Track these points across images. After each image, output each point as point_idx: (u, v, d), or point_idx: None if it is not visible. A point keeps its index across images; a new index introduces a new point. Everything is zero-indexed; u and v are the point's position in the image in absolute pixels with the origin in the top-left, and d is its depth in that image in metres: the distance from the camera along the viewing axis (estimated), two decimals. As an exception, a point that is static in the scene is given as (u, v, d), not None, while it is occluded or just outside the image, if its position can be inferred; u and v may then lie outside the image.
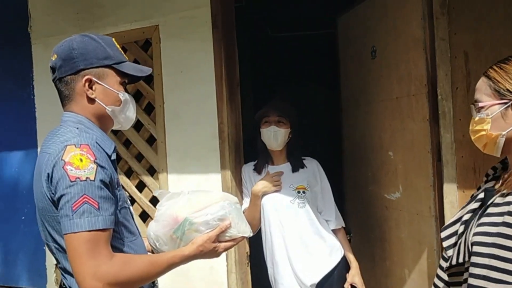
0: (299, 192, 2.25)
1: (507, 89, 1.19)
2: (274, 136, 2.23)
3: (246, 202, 2.32)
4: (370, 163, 2.54)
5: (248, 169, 2.38)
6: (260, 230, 2.33)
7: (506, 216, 1.12)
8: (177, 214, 1.45)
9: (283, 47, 4.42)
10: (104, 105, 1.40)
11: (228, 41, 2.42)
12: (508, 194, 1.15)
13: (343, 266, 2.27)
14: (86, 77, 1.36)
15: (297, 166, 2.30)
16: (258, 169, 2.33)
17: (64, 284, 1.37)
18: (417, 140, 2.15)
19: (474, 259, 1.15)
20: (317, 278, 2.20)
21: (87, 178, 1.21)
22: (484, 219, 1.17)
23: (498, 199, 1.17)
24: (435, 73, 1.99)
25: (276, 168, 2.32)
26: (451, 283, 1.28)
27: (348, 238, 2.45)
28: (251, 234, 1.56)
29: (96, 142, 1.30)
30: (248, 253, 2.51)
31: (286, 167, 2.31)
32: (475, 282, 1.14)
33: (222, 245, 1.45)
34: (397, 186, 2.32)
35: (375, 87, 2.45)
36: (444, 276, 1.30)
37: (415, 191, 2.19)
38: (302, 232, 2.22)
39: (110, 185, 1.28)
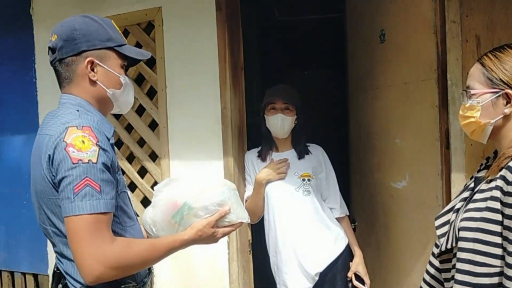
0: (304, 180, 2.21)
1: (500, 79, 1.21)
2: (282, 124, 2.18)
3: (249, 189, 2.29)
4: (376, 150, 2.48)
5: (251, 156, 2.34)
6: (262, 218, 2.30)
7: (489, 201, 1.16)
8: (176, 199, 1.44)
9: (291, 31, 4.35)
10: (105, 88, 1.38)
11: (232, 23, 2.36)
12: (492, 180, 1.18)
13: (347, 254, 2.24)
14: (89, 58, 1.34)
15: (302, 153, 2.26)
16: (262, 156, 2.30)
17: (58, 269, 1.35)
18: (425, 127, 2.09)
19: (461, 244, 1.19)
20: (321, 267, 2.17)
21: (89, 160, 1.19)
22: (470, 205, 1.21)
23: (483, 186, 1.21)
24: (445, 57, 1.92)
25: (281, 155, 2.27)
26: (442, 270, 1.32)
27: (353, 227, 2.42)
28: (249, 220, 1.55)
29: (97, 125, 1.28)
30: (250, 241, 2.48)
31: (290, 154, 2.27)
32: (461, 266, 1.19)
33: (221, 230, 1.44)
34: (404, 175, 2.27)
35: (383, 72, 2.39)
36: (436, 263, 1.34)
37: (422, 179, 2.14)
38: (307, 220, 2.19)
39: (111, 169, 1.26)
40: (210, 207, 1.42)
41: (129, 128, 2.60)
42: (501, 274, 1.12)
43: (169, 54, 2.46)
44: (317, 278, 2.16)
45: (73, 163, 1.18)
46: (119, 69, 1.41)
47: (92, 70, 1.35)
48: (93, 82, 1.36)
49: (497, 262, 1.13)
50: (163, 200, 1.45)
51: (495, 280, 1.13)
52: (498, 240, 1.13)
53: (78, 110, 1.31)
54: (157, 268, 1.56)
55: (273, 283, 2.30)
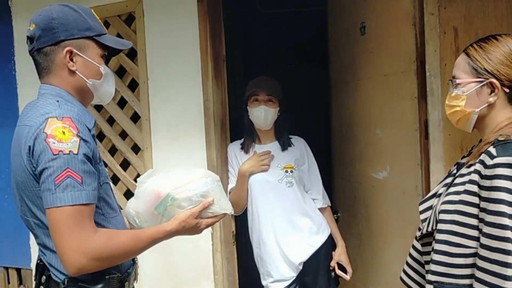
0: (287, 171, 2.23)
1: (485, 69, 1.24)
2: (265, 115, 2.19)
3: (233, 181, 2.29)
4: (358, 141, 2.51)
5: (234, 148, 2.35)
6: (246, 210, 2.31)
7: (467, 185, 1.20)
8: (159, 190, 1.44)
9: (274, 25, 4.36)
10: (84, 78, 1.36)
11: (214, 15, 2.36)
12: (471, 165, 1.22)
13: (329, 244, 2.27)
14: (67, 48, 1.33)
15: (285, 145, 2.27)
16: (245, 148, 2.30)
17: (42, 261, 1.35)
18: (405, 118, 2.12)
19: (439, 226, 1.24)
20: (305, 257, 2.20)
21: (70, 151, 1.18)
22: (451, 189, 1.25)
23: (463, 170, 1.25)
24: (423, 49, 1.95)
25: (264, 147, 2.29)
26: (423, 252, 1.36)
27: (335, 217, 2.45)
28: (233, 212, 1.56)
29: (78, 115, 1.27)
30: (234, 233, 2.49)
31: (273, 146, 2.29)
32: (438, 246, 1.23)
33: (204, 221, 1.45)
34: (384, 165, 2.30)
35: (364, 64, 2.42)
36: (418, 246, 1.39)
37: (402, 170, 2.18)
38: (290, 211, 2.21)
39: (93, 159, 1.26)
40: (194, 198, 1.42)
41: (111, 121, 2.57)
42: (475, 255, 1.16)
43: (150, 45, 2.44)
44: (300, 268, 2.19)
45: (54, 154, 1.17)
46: (99, 59, 1.39)
47: (71, 60, 1.33)
48: (72, 72, 1.35)
49: (473, 243, 1.17)
50: (146, 191, 1.45)
51: (469, 260, 1.17)
52: (474, 222, 1.17)
53: (58, 101, 1.29)
54: (140, 260, 1.55)
55: (256, 275, 2.32)
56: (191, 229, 1.42)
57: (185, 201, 1.41)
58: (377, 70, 2.30)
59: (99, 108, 2.58)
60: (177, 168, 1.52)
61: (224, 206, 1.49)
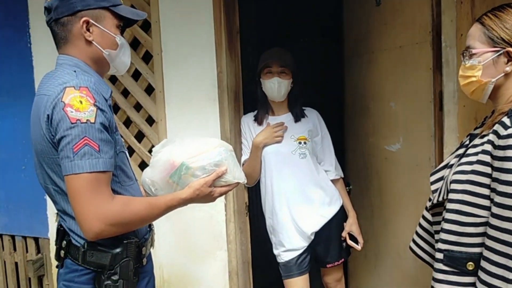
0: (300, 143, 2.24)
1: (501, 37, 1.22)
2: (278, 87, 2.19)
3: (246, 153, 2.32)
4: (371, 114, 2.51)
5: (247, 119, 2.36)
6: (259, 182, 2.34)
7: (480, 155, 1.20)
8: (173, 159, 1.46)
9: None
10: (101, 48, 1.38)
11: (228, -13, 2.34)
12: (485, 135, 1.21)
13: (341, 215, 2.31)
14: (84, 18, 1.34)
15: (298, 116, 2.28)
16: (258, 120, 2.32)
17: (62, 226, 1.39)
18: (420, 90, 2.11)
19: (451, 195, 1.24)
20: (317, 227, 2.23)
21: (87, 120, 1.21)
22: (463, 160, 1.26)
23: (476, 141, 1.25)
24: (439, 19, 1.92)
25: (277, 118, 2.30)
26: (433, 222, 1.38)
27: (347, 190, 2.47)
28: (246, 181, 1.58)
29: (94, 85, 1.29)
30: (247, 204, 2.53)
31: (287, 117, 2.30)
32: (449, 216, 1.24)
33: (218, 190, 1.48)
34: (398, 137, 2.30)
35: (378, 36, 2.39)
36: (428, 216, 1.40)
37: (416, 142, 2.18)
38: (303, 183, 2.24)
39: (109, 129, 1.28)
40: (208, 167, 1.44)
41: (125, 93, 2.59)
42: (485, 224, 1.17)
43: (164, 17, 2.44)
44: (312, 238, 2.23)
45: (72, 123, 1.20)
46: (115, 29, 1.41)
47: (88, 30, 1.35)
48: (89, 43, 1.36)
49: (484, 212, 1.18)
50: (161, 161, 1.48)
51: (480, 229, 1.19)
52: (486, 192, 1.17)
53: (75, 71, 1.32)
54: (156, 228, 1.60)
55: (269, 246, 2.36)
56: (205, 197, 1.44)
57: (199, 170, 1.44)
58: (391, 41, 2.28)
59: (113, 80, 2.60)
60: (191, 138, 1.54)
61: (237, 175, 1.51)
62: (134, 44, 2.52)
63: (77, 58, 1.37)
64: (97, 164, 1.21)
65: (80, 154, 1.19)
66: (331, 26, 3.98)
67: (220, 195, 1.49)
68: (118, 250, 1.32)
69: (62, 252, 1.37)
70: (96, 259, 1.30)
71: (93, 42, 1.36)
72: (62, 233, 1.38)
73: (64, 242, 1.36)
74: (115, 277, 1.31)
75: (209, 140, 1.54)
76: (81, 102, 1.22)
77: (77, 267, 1.33)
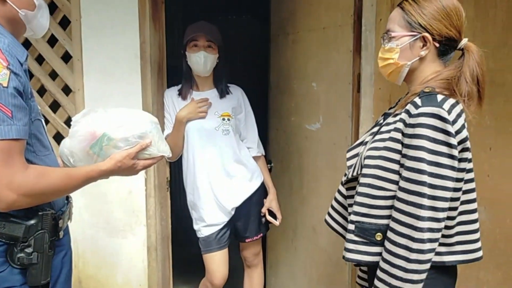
0: (223, 119, 2.24)
1: (419, 23, 1.29)
2: (204, 61, 2.17)
3: (169, 127, 2.28)
4: (294, 93, 2.57)
5: (171, 93, 2.32)
6: (181, 157, 2.32)
7: (392, 132, 1.27)
8: (95, 129, 1.40)
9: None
10: (16, 8, 1.28)
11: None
12: (397, 114, 1.29)
13: (262, 191, 2.36)
14: None
15: (223, 92, 2.28)
16: (182, 95, 2.28)
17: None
18: (341, 72, 2.19)
19: (364, 170, 1.31)
20: (237, 202, 2.26)
21: None
22: (376, 137, 1.33)
23: (390, 119, 1.33)
24: (361, 3, 2.00)
25: (202, 94, 2.28)
26: (347, 196, 1.44)
27: (269, 167, 2.53)
28: (170, 154, 1.55)
29: (8, 47, 1.19)
30: (168, 179, 2.50)
31: (212, 93, 2.28)
32: (361, 189, 1.32)
33: (141, 162, 1.44)
34: (318, 117, 2.38)
35: (304, 16, 2.44)
36: (343, 190, 1.47)
37: (334, 121, 2.27)
38: (225, 158, 2.25)
39: (24, 94, 1.20)
40: (131, 139, 1.40)
41: (40, 59, 2.43)
42: (394, 197, 1.26)
43: (84, -19, 2.31)
44: (233, 213, 2.26)
45: None
46: None
47: None
48: (3, 1, 1.26)
49: (393, 187, 1.26)
50: (81, 131, 1.41)
51: (389, 202, 1.27)
52: (396, 167, 1.26)
53: None
54: (73, 201, 1.54)
55: (189, 222, 2.36)
56: (127, 169, 1.41)
57: (122, 142, 1.39)
58: (316, 22, 2.33)
59: (26, 45, 2.42)
60: (115, 108, 1.48)
61: (162, 148, 1.48)
62: (51, 8, 2.34)
63: None
64: (9, 131, 1.14)
65: None
66: (258, 4, 3.99)
67: (143, 168, 1.46)
68: (32, 222, 1.25)
69: None
70: (9, 230, 1.23)
71: (8, 1, 1.26)
72: None
73: None
74: (28, 250, 1.25)
75: (134, 111, 1.50)
76: None
77: (-13, 238, 1.24)
